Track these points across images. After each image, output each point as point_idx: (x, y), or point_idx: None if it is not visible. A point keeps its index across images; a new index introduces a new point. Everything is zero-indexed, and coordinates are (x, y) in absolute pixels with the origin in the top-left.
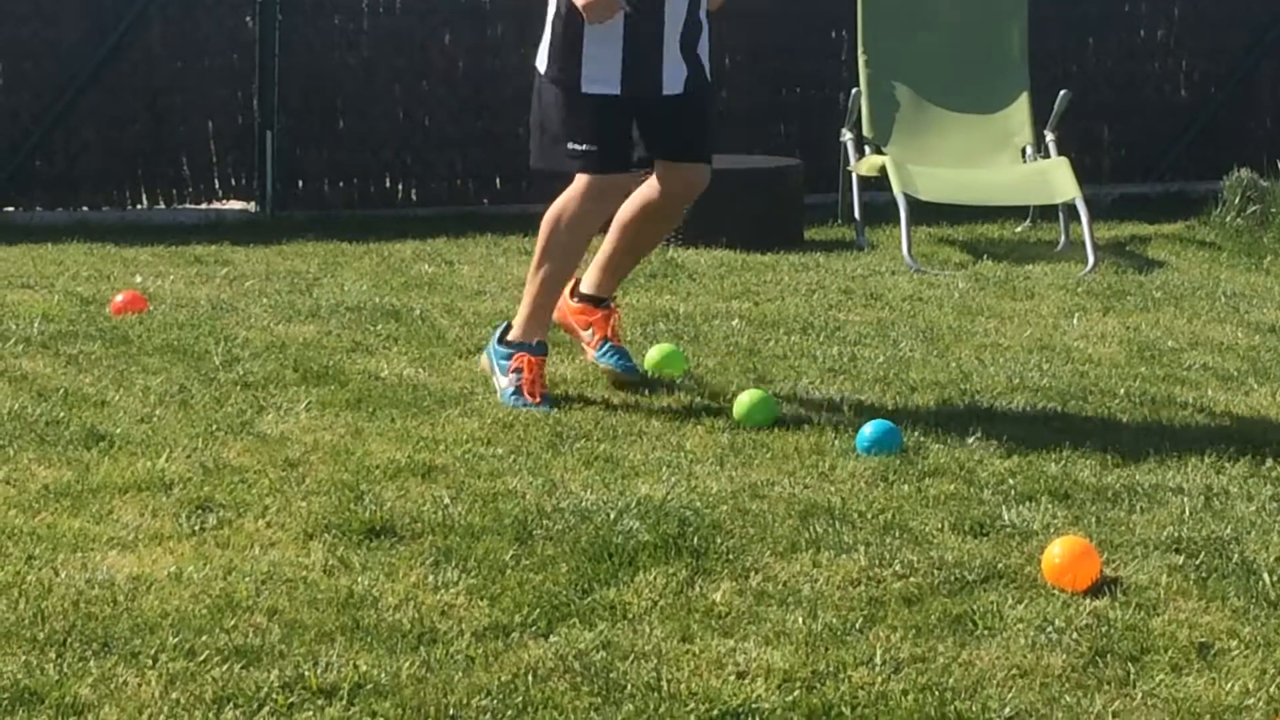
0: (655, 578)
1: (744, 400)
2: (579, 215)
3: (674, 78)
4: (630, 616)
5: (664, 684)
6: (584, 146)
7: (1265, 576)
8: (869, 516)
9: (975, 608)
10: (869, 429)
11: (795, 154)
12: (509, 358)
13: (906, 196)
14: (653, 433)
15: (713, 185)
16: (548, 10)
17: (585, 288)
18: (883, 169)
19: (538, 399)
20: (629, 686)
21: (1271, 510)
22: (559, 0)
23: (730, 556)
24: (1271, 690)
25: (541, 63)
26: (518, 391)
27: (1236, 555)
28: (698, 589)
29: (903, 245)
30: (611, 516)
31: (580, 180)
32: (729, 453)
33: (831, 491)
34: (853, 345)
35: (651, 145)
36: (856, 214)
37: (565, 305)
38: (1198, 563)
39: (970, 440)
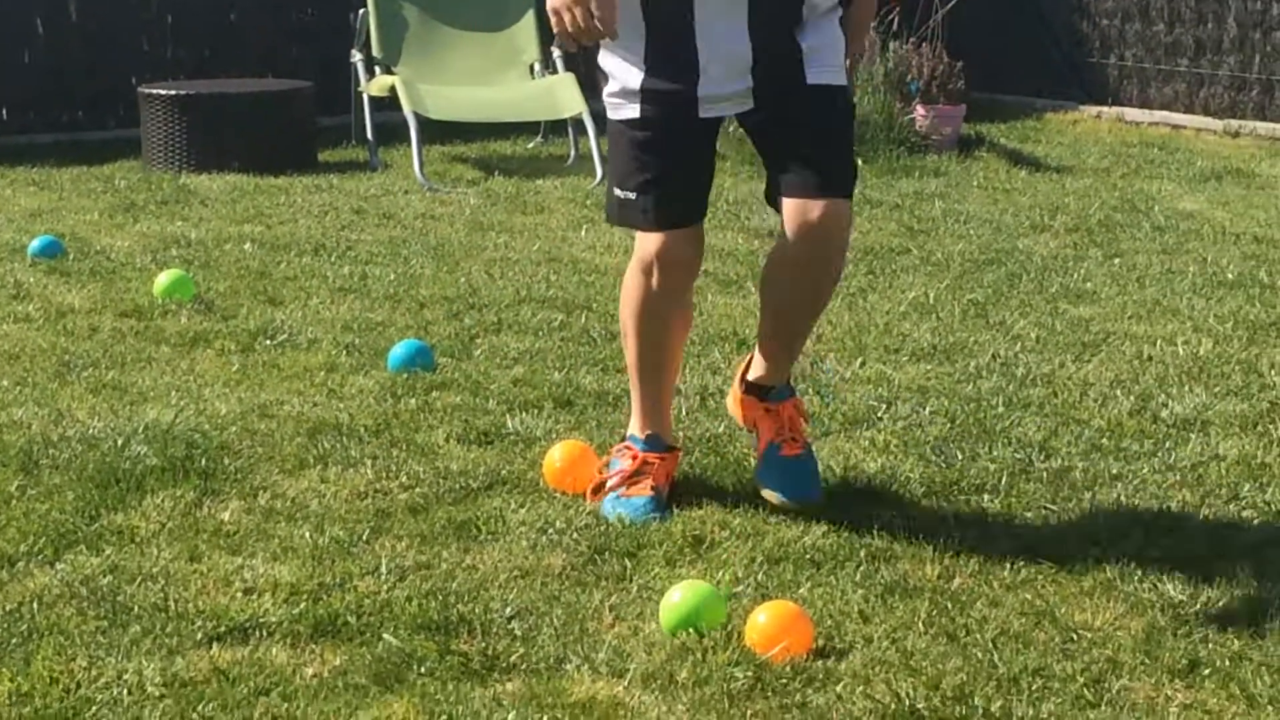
0: (163, 501)
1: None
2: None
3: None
4: (138, 540)
5: (171, 604)
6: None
7: None
8: (376, 431)
9: (479, 514)
10: (399, 349)
11: (307, 76)
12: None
13: (417, 116)
14: (162, 359)
15: (223, 109)
16: None
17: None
18: (393, 89)
19: (640, 493)
20: (136, 608)
21: None
22: None
23: (238, 476)
24: (759, 577)
25: None
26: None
27: (731, 452)
28: (206, 510)
29: (414, 164)
30: (119, 443)
31: None
32: (239, 375)
33: (340, 408)
34: (364, 264)
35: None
36: (369, 134)
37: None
38: (693, 460)
39: (477, 353)
